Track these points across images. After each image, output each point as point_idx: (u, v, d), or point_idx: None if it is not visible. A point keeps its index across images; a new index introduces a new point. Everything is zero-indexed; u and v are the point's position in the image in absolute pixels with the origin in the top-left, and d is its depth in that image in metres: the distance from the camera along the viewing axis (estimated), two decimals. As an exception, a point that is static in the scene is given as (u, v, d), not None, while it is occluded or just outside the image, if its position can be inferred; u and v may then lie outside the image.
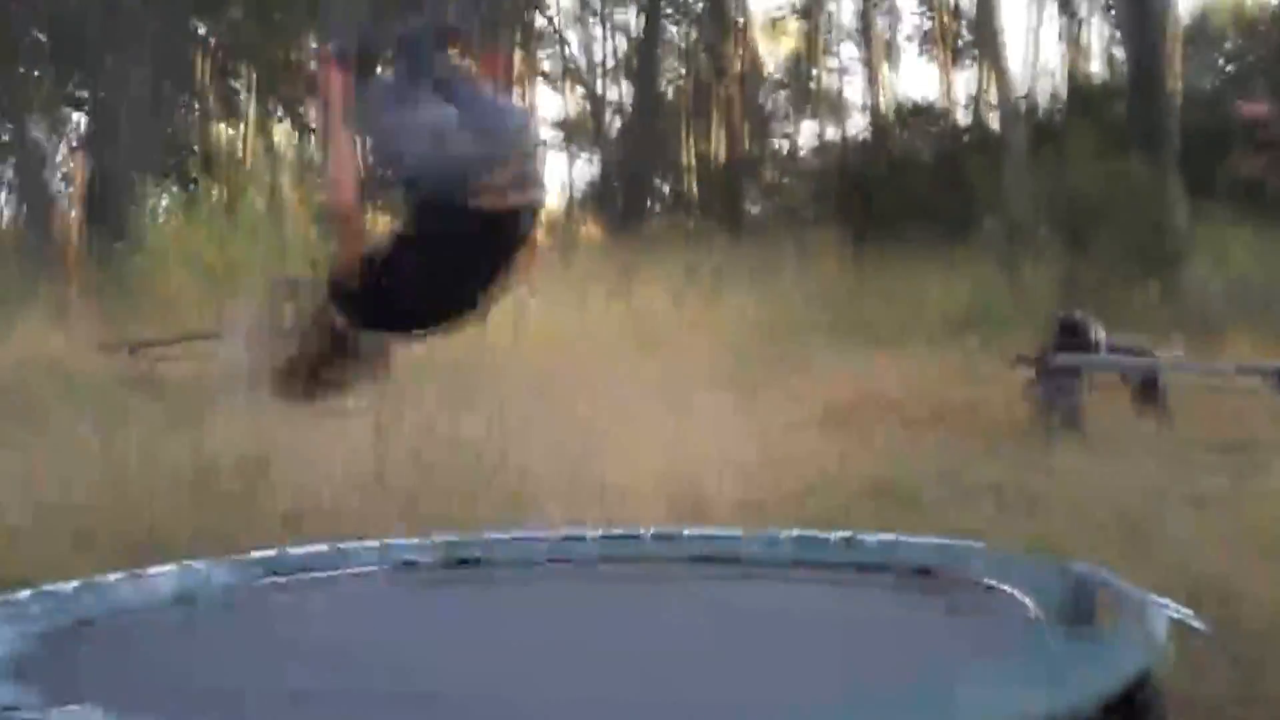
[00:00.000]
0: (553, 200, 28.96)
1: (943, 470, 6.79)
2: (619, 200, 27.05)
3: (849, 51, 29.64)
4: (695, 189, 27.22)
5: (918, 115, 27.28)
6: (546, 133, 29.55)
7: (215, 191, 19.96)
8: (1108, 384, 9.77)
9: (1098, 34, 28.95)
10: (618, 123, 28.91)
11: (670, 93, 28.46)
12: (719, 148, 27.28)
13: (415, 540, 3.82)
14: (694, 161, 27.34)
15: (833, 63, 29.64)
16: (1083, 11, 28.81)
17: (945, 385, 9.98)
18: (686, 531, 3.88)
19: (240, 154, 25.86)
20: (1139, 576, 3.21)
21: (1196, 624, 3.15)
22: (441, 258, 2.78)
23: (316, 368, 2.94)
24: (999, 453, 7.53)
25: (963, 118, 27.19)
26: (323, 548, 3.73)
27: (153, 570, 3.51)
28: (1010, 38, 28.03)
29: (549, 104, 30.25)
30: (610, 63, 29.47)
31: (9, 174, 25.66)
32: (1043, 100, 26.37)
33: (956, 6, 29.59)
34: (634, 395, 7.33)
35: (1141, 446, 7.37)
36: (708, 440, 6.43)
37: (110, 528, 5.37)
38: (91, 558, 4.66)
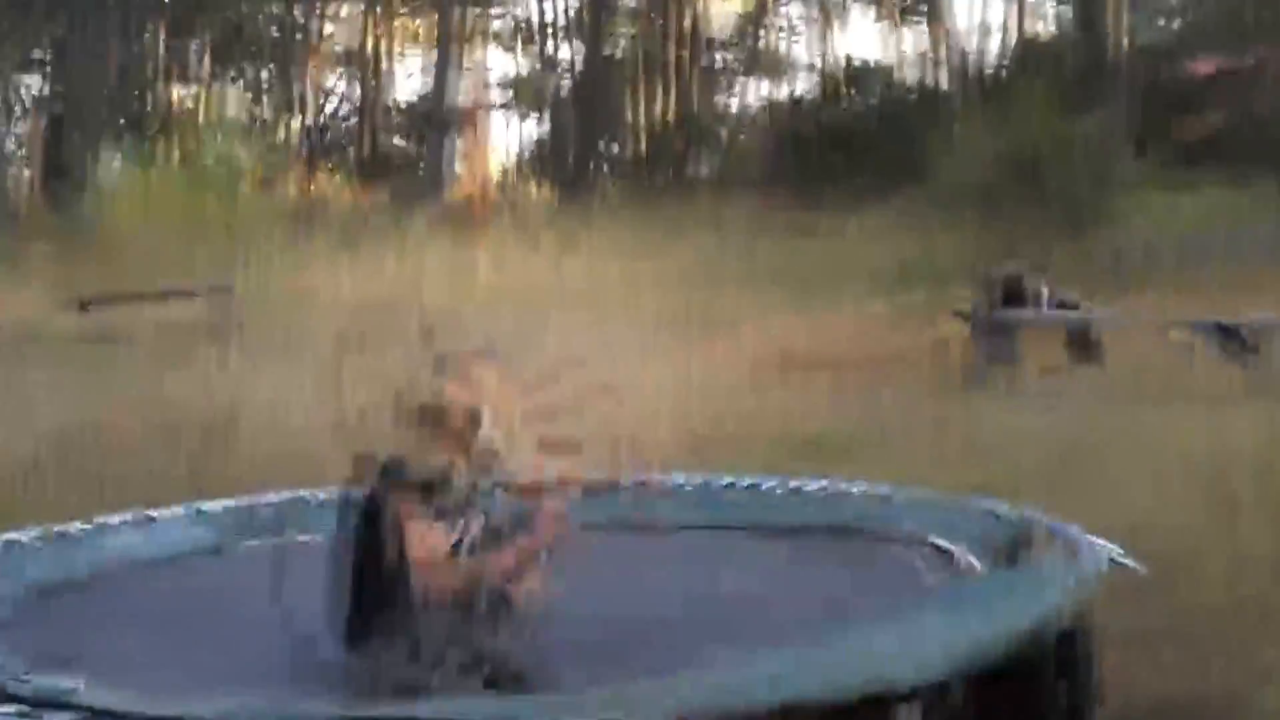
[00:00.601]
0: (503, 160, 29.05)
1: (876, 418, 6.98)
2: (569, 160, 27.09)
3: (797, 10, 29.71)
4: (644, 148, 27.25)
5: (866, 74, 27.37)
6: (496, 94, 29.60)
7: (171, 148, 20.28)
8: (1049, 335, 10.01)
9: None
10: (567, 83, 28.90)
11: (619, 53, 28.43)
12: (668, 108, 27.31)
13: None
14: (643, 121, 27.36)
15: (781, 22, 29.70)
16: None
17: (887, 336, 10.17)
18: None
19: (196, 111, 25.86)
20: (1069, 516, 3.40)
21: (1130, 563, 3.33)
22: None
23: None
24: (934, 401, 7.72)
25: (910, 76, 27.27)
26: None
27: None
28: (957, -4, 28.27)
29: (499, 64, 30.27)
30: (561, 23, 29.43)
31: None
32: (991, 58, 26.60)
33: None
34: (578, 349, 7.44)
35: (1072, 397, 7.57)
36: (651, 390, 6.57)
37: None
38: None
